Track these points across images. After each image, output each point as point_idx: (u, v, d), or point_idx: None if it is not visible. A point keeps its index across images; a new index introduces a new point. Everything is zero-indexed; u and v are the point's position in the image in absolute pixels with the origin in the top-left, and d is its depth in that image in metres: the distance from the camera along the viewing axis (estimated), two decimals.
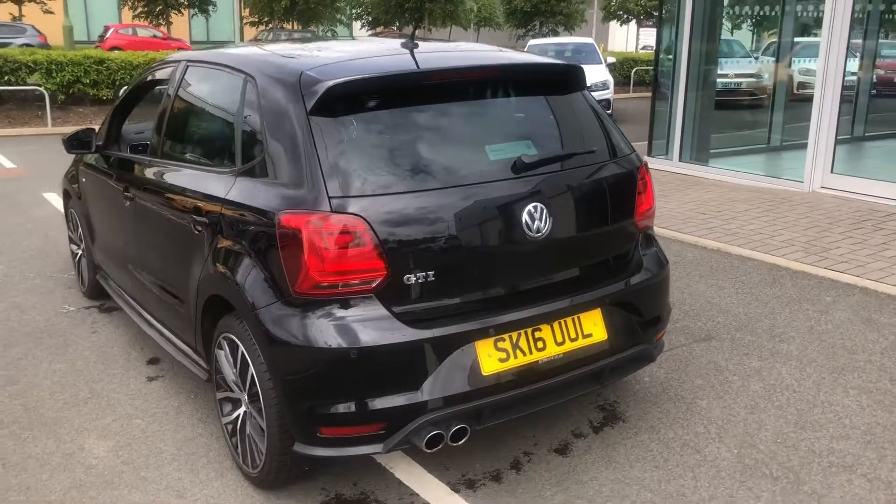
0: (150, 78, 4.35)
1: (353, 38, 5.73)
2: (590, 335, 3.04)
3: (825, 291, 5.28)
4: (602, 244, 3.20)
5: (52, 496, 3.05)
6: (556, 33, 34.72)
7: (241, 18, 34.59)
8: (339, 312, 2.66)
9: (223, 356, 3.12)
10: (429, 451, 2.73)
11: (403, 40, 3.43)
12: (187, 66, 3.79)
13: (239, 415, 3.11)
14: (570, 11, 35.48)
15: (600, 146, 3.23)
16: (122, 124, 4.59)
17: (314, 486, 3.09)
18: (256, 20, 32.01)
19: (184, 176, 3.47)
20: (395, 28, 34.54)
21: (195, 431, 3.52)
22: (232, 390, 3.12)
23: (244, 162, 3.06)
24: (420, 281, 2.70)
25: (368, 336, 2.64)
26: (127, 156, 4.30)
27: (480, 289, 2.86)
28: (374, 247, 2.62)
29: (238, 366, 2.97)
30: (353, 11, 36.76)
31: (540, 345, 2.91)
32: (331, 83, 2.74)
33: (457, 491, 3.05)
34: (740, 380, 3.97)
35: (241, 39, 35.71)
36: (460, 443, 2.82)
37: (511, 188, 2.87)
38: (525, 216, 2.85)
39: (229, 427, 3.22)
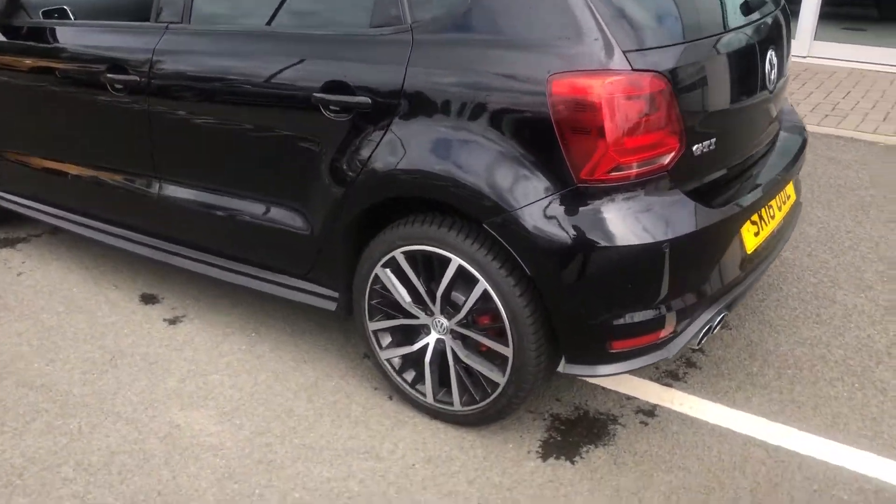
0: None
1: None
2: (789, 196, 2.79)
3: None
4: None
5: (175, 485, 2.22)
6: None
7: None
8: (637, 199, 2.12)
9: (390, 276, 2.41)
10: (697, 347, 2.36)
11: None
12: None
13: (426, 344, 2.45)
14: None
15: None
16: None
17: (522, 414, 2.57)
18: None
19: (287, 45, 2.51)
20: None
21: (311, 376, 2.76)
22: (413, 316, 2.44)
23: (425, 14, 2.25)
24: (705, 151, 2.23)
25: (677, 223, 2.14)
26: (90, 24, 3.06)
27: (740, 155, 2.46)
28: (673, 112, 2.09)
29: (441, 287, 2.32)
30: None
31: (772, 212, 2.61)
32: None
33: (668, 385, 2.72)
34: None
35: None
36: (715, 332, 2.48)
37: (756, 33, 2.45)
38: (767, 66, 2.47)
39: (396, 361, 2.54)
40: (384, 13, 2.31)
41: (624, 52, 2.02)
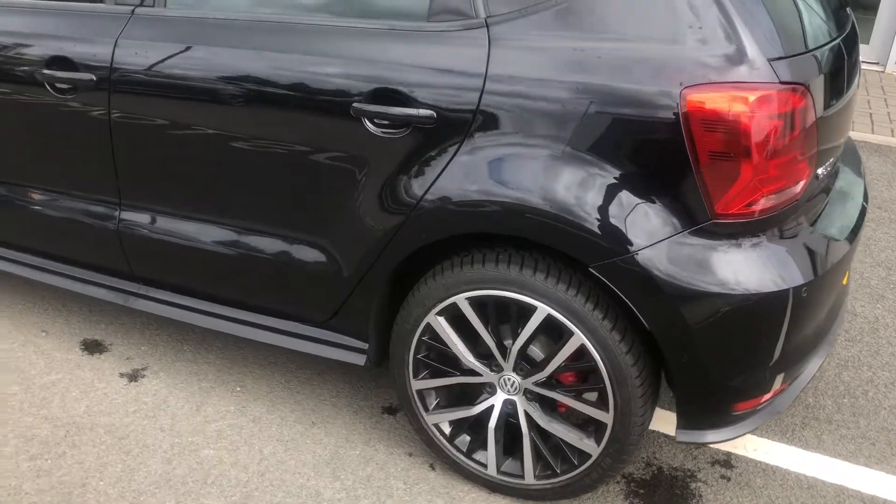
0: None
1: None
2: None
3: None
4: None
5: None
6: None
7: None
8: (775, 235, 1.78)
9: (446, 326, 1.97)
10: None
11: None
12: None
13: (489, 406, 2.03)
14: None
15: None
16: None
17: None
18: None
19: (314, 39, 1.97)
20: None
21: (328, 443, 2.27)
22: (474, 373, 2.01)
23: (504, 5, 1.80)
24: (821, 173, 1.92)
25: (816, 262, 1.83)
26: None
27: (833, 174, 2.19)
28: (812, 131, 1.77)
29: (520, 340, 1.91)
30: None
31: None
32: None
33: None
34: None
35: None
36: None
37: (848, 41, 2.17)
38: (850, 76, 2.21)
39: (446, 426, 2.11)
40: (447, 3, 1.84)
41: (769, 61, 1.66)
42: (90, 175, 2.31)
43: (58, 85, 2.20)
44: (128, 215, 2.29)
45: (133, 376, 2.49)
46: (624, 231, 1.71)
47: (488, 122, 1.79)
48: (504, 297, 1.88)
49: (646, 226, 1.71)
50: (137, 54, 2.09)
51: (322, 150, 1.96)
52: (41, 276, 2.52)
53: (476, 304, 1.93)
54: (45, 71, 2.20)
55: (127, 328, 2.73)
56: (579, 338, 1.83)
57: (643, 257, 1.70)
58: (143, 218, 2.28)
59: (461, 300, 1.93)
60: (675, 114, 1.64)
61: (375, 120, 1.87)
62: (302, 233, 2.09)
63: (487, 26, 1.79)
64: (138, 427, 2.27)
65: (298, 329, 2.21)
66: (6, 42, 2.29)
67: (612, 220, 1.71)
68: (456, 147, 1.82)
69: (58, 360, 2.55)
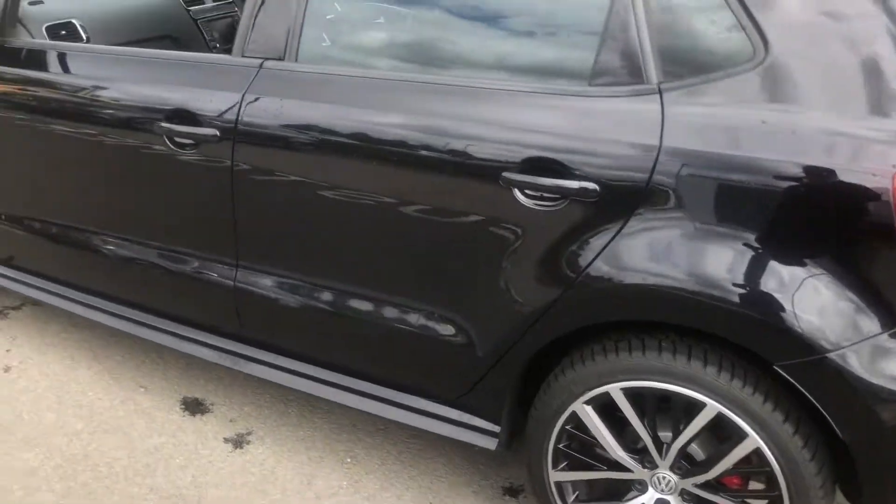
0: None
1: None
2: None
3: None
4: None
5: None
6: None
7: None
8: None
9: (594, 416, 1.78)
10: None
11: None
12: None
13: None
14: None
15: None
16: None
17: None
18: None
19: (458, 101, 1.81)
20: None
21: None
22: (623, 468, 1.82)
23: (681, 68, 1.63)
24: None
25: None
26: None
27: None
28: None
29: (682, 438, 1.72)
30: None
31: None
32: None
33: None
34: None
35: None
36: None
37: None
38: None
39: None
40: (613, 64, 1.68)
41: None
42: (206, 231, 2.20)
43: (177, 139, 2.09)
44: (244, 275, 2.17)
45: (238, 442, 2.36)
46: (819, 328, 1.51)
47: (660, 198, 1.61)
48: (667, 391, 1.69)
49: (844, 323, 1.51)
50: (266, 110, 1.97)
51: (465, 219, 1.80)
52: (147, 333, 2.41)
53: (632, 394, 1.74)
54: (164, 124, 2.09)
55: (227, 385, 2.60)
56: (754, 440, 1.63)
57: (840, 358, 1.50)
58: (260, 278, 2.15)
59: (615, 390, 1.75)
60: (884, 200, 1.44)
61: (527, 191, 1.71)
62: (434, 304, 1.93)
63: (661, 93, 1.62)
64: (248, 502, 2.13)
65: (424, 405, 2.05)
66: (122, 92, 2.20)
67: (806, 316, 1.51)
68: (620, 224, 1.65)
69: (159, 421, 2.43)
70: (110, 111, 2.20)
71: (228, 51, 2.93)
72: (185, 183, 2.15)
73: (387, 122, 1.83)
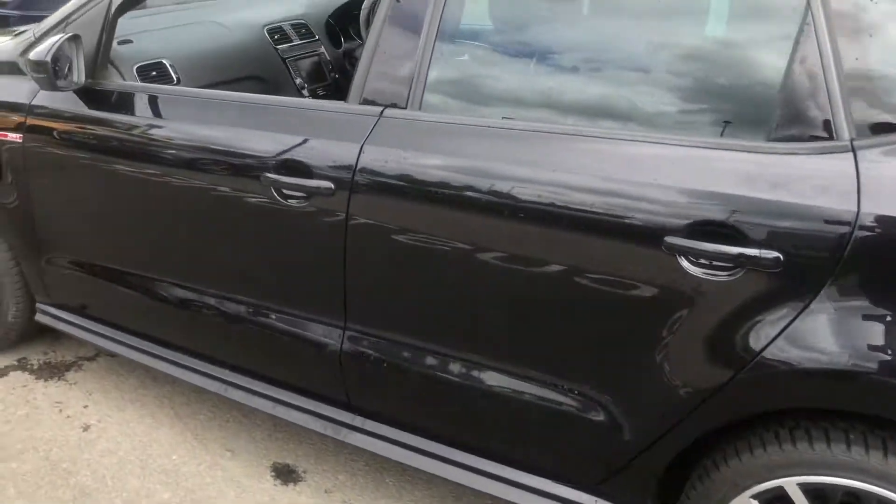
0: None
1: None
2: None
3: None
4: None
5: None
6: None
7: None
8: None
9: None
10: None
11: None
12: None
13: None
14: None
15: None
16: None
17: None
18: None
19: (613, 158, 1.63)
20: None
21: None
22: None
23: (873, 117, 1.44)
24: None
25: None
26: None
27: None
28: None
29: None
30: None
31: None
32: None
33: None
34: None
35: None
36: None
37: None
38: None
39: None
40: (797, 118, 1.48)
41: None
42: (312, 290, 2.04)
43: (285, 191, 1.93)
44: (354, 338, 1.99)
45: None
46: None
47: (857, 271, 1.41)
48: (857, 489, 1.47)
49: None
50: (388, 162, 1.80)
51: (617, 287, 1.61)
52: (238, 396, 2.24)
53: (812, 491, 1.53)
54: (271, 174, 1.93)
55: (318, 450, 2.42)
56: None
57: None
58: (372, 343, 1.97)
59: (791, 485, 1.53)
60: None
61: (693, 258, 1.51)
62: (575, 381, 1.74)
63: (854, 150, 1.42)
64: None
65: (554, 489, 1.84)
66: (222, 139, 2.05)
67: None
68: (807, 299, 1.45)
69: (250, 491, 2.25)
70: (208, 159, 2.06)
71: (316, 91, 2.84)
72: (291, 237, 1.99)
73: (532, 178, 1.65)
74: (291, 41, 2.97)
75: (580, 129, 1.70)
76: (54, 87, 2.15)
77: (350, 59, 3.18)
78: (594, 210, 1.58)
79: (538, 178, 1.65)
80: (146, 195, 2.24)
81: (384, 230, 1.83)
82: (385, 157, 1.80)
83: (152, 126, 2.19)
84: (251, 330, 2.17)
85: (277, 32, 2.94)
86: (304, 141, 1.92)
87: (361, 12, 2.99)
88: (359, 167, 1.83)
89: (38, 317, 2.65)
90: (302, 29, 3.08)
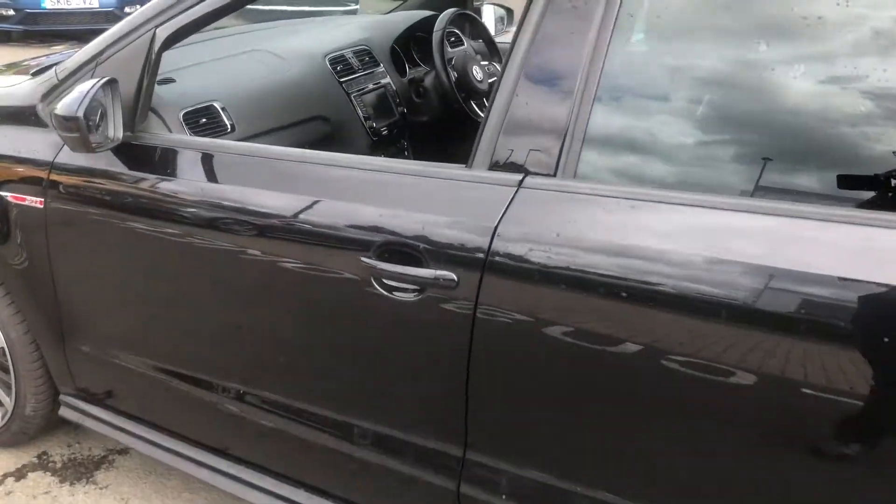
0: None
1: None
2: None
3: None
4: None
5: None
6: None
7: None
8: None
9: None
10: None
11: None
12: None
13: None
14: None
15: None
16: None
17: None
18: None
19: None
20: None
21: None
22: None
23: None
24: None
25: None
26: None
27: None
28: None
29: None
30: None
31: None
32: None
33: None
34: None
35: None
36: None
37: None
38: None
39: None
40: None
41: None
42: (420, 405, 1.59)
43: (387, 281, 1.48)
44: (476, 472, 1.53)
45: None
46: None
47: None
48: None
49: None
50: (533, 246, 1.35)
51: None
52: None
53: None
54: (370, 260, 1.49)
55: None
56: None
57: None
58: (503, 478, 1.51)
59: None
60: None
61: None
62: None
63: None
64: None
65: None
66: (302, 212, 1.60)
67: None
68: None
69: None
70: (282, 237, 1.62)
71: (379, 131, 2.38)
72: (395, 339, 1.55)
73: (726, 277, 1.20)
74: (355, 72, 2.53)
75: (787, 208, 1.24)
76: (88, 149, 1.71)
77: (417, 89, 2.73)
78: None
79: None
80: (202, 279, 1.81)
81: (527, 331, 1.38)
82: (531, 239, 1.35)
83: (211, 193, 1.74)
84: (328, 446, 1.72)
85: (340, 62, 2.50)
86: (412, 217, 1.47)
87: (434, 34, 2.55)
88: (492, 252, 1.37)
89: (63, 411, 2.21)
90: (365, 56, 2.63)
